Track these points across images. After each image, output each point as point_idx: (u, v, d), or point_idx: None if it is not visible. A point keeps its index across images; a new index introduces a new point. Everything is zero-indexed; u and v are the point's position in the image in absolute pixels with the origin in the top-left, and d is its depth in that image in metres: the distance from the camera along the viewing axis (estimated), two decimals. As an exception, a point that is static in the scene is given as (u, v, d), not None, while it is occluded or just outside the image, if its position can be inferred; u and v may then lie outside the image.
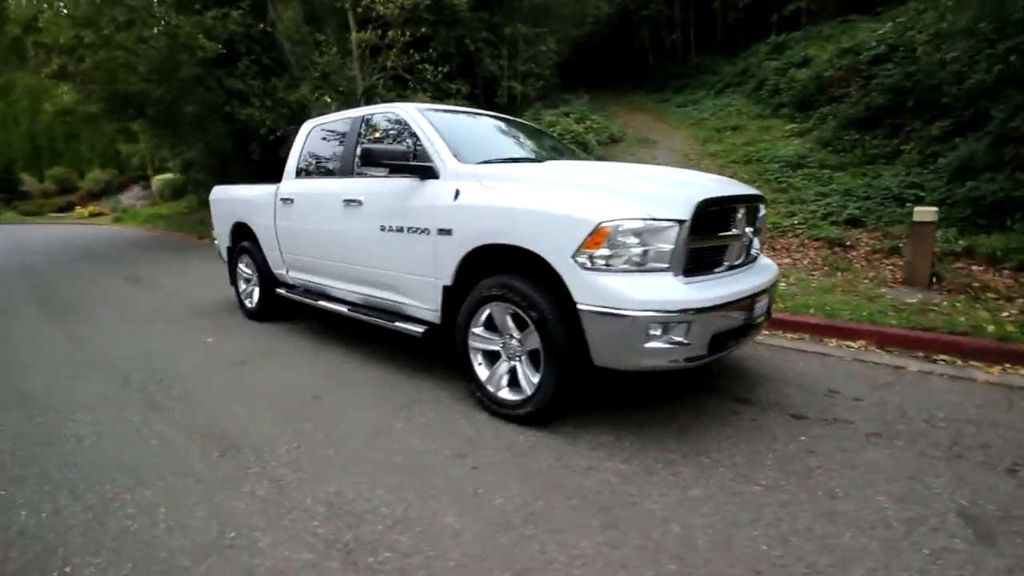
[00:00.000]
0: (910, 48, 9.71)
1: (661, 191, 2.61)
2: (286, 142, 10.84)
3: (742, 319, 2.72)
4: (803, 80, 12.56)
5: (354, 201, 3.74)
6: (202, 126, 14.35)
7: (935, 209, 5.20)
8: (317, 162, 4.41)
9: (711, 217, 2.67)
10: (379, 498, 2.25)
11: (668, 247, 2.48)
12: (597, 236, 2.46)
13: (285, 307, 5.12)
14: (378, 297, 3.76)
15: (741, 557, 1.88)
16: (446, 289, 3.19)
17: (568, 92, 18.94)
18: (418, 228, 3.26)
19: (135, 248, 13.73)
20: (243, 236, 5.36)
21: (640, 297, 2.41)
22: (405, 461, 2.54)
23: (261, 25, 12.07)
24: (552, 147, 4.27)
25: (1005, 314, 4.26)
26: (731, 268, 2.89)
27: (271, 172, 7.02)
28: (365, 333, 4.68)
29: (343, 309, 4.02)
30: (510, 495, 2.25)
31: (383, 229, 3.51)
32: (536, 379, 2.77)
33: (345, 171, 3.98)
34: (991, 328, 3.91)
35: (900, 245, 6.04)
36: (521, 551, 1.93)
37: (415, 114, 3.58)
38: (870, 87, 9.89)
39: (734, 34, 20.24)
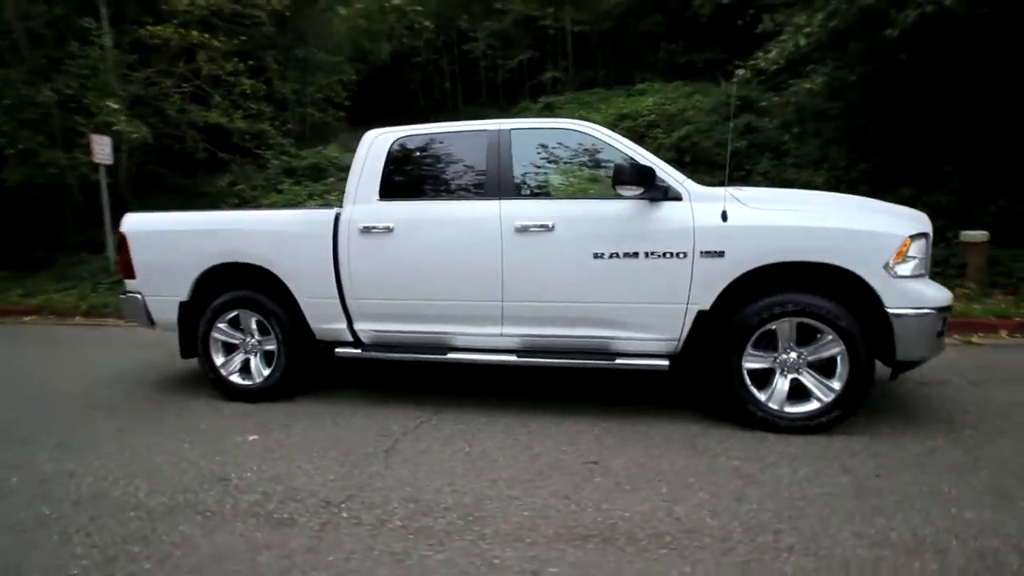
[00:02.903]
0: (671, 116, 12.91)
1: (901, 212, 3.18)
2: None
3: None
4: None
5: (537, 226, 3.21)
6: None
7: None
8: (423, 181, 3.56)
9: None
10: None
11: (926, 256, 3.06)
12: (902, 248, 2.88)
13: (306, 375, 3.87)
14: (566, 336, 3.29)
15: None
16: (700, 314, 3.08)
17: (352, 129, 18.34)
18: (668, 252, 3.06)
19: None
20: (228, 284, 3.77)
21: (934, 296, 2.92)
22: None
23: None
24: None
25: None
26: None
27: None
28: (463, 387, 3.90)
29: (506, 359, 3.34)
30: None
31: (598, 256, 3.14)
32: (838, 385, 2.96)
33: (492, 191, 3.35)
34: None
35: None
36: None
37: (608, 132, 3.34)
38: (653, 146, 12.72)
39: (497, 91, 22.85)
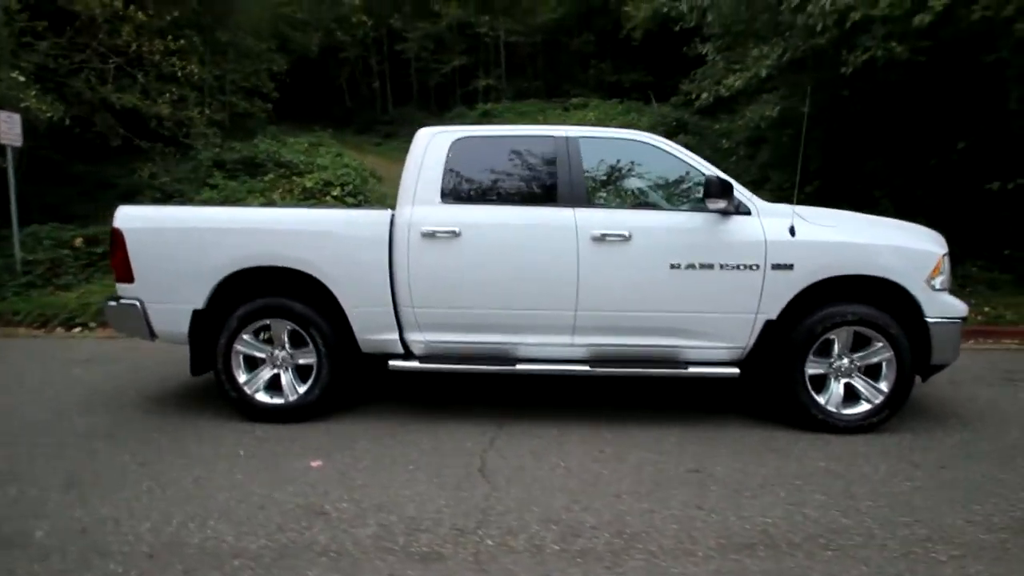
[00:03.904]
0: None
1: (926, 233, 3.57)
2: None
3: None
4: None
5: (615, 236, 3.21)
6: None
7: None
8: (488, 185, 3.41)
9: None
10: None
11: (949, 272, 3.47)
12: (938, 265, 3.25)
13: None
14: (637, 345, 3.32)
15: None
16: (768, 324, 3.25)
17: (275, 124, 17.24)
18: (742, 264, 3.19)
19: None
20: (254, 292, 3.35)
21: (960, 307, 3.33)
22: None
23: None
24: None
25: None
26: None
27: None
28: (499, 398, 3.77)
29: (578, 369, 3.29)
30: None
31: (675, 267, 3.21)
32: (885, 387, 3.25)
33: (565, 198, 3.30)
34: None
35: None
36: None
37: (675, 145, 3.43)
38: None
39: (429, 94, 22.50)
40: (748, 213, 3.28)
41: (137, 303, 3.39)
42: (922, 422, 3.45)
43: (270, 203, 9.91)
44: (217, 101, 13.65)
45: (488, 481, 2.66)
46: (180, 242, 3.37)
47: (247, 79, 14.48)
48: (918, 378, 3.39)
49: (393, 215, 3.34)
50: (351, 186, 10.80)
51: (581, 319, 3.29)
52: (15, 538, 2.18)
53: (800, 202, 3.45)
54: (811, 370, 3.27)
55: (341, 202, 10.44)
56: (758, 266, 3.21)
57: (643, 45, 17.79)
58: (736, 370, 3.29)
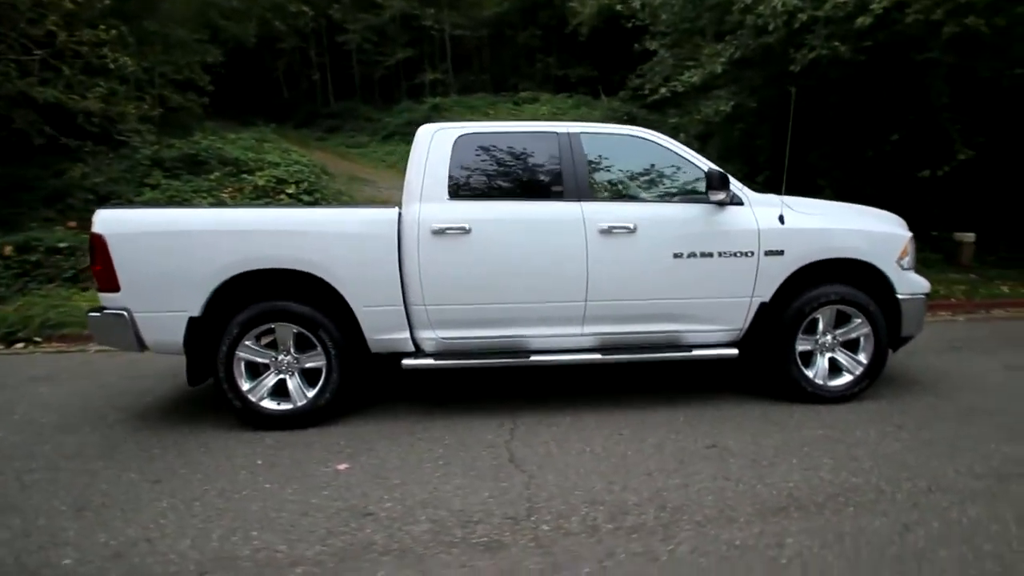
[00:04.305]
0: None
1: (890, 217, 3.91)
2: None
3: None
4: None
5: (621, 228, 3.33)
6: None
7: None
8: (494, 181, 3.43)
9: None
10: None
11: (913, 252, 3.82)
12: (906, 246, 3.59)
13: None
14: (642, 332, 3.47)
15: None
16: (762, 306, 3.48)
17: (216, 117, 16.38)
18: (738, 251, 3.40)
19: None
20: (253, 296, 3.23)
21: (924, 284, 3.70)
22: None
23: None
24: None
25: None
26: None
27: None
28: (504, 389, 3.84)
29: (589, 358, 3.40)
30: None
31: (678, 256, 3.37)
32: (864, 359, 3.56)
33: (571, 193, 3.39)
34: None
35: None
36: None
37: (670, 140, 3.58)
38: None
39: (373, 88, 21.93)
40: (741, 203, 3.49)
41: (124, 313, 3.18)
42: (892, 389, 3.80)
43: (219, 203, 9.42)
44: (149, 95, 12.76)
45: (522, 470, 2.72)
46: (172, 246, 3.18)
47: (179, 71, 13.60)
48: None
49: (400, 213, 3.31)
50: (306, 183, 10.43)
51: (591, 309, 3.40)
52: (42, 570, 2.03)
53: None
54: (800, 347, 3.54)
55: (297, 200, 10.07)
56: (752, 253, 3.43)
57: (589, 40, 18.15)
58: (735, 351, 3.51)
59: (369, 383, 3.90)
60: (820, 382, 3.56)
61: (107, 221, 3.19)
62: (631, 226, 3.36)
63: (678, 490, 2.49)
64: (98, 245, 3.16)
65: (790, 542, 2.09)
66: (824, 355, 3.60)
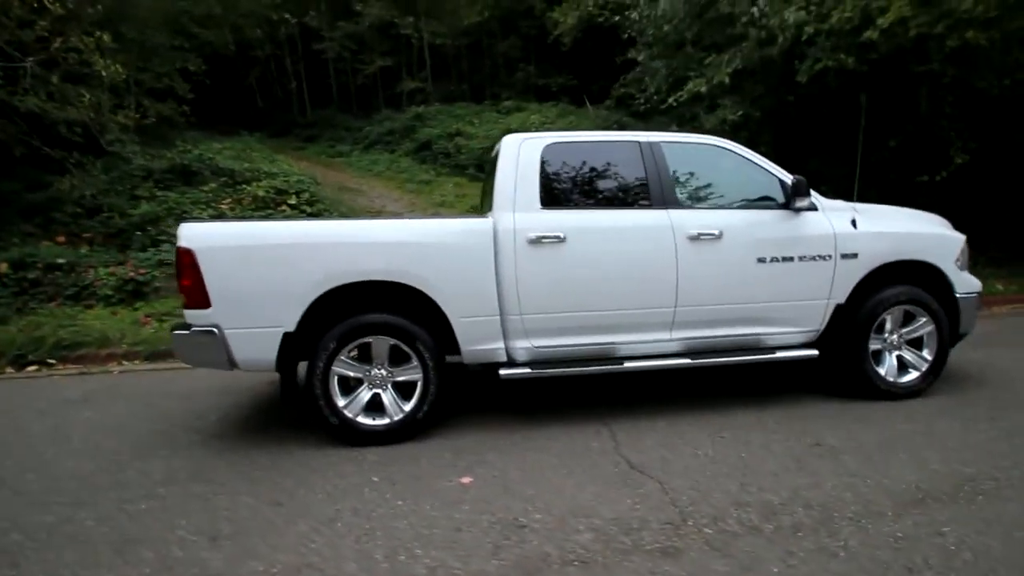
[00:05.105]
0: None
1: (941, 220, 4.13)
2: None
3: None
4: (476, 148, 15.41)
5: (708, 234, 3.42)
6: None
7: None
8: (582, 190, 3.47)
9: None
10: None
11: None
12: (962, 247, 3.82)
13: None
14: (725, 335, 3.56)
15: None
16: (838, 307, 3.62)
17: (198, 127, 15.87)
18: (817, 255, 3.54)
19: None
20: (343, 310, 3.15)
21: (978, 284, 3.94)
22: None
23: None
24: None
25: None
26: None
27: None
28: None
29: (679, 362, 3.46)
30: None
31: (761, 261, 3.49)
32: (928, 356, 3.75)
33: (658, 201, 3.46)
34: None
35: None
36: None
37: (744, 149, 3.70)
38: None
39: (350, 97, 21.62)
40: (816, 209, 3.64)
41: (215, 330, 3.05)
42: (947, 384, 4.00)
43: (220, 215, 9.10)
44: (128, 105, 12.23)
45: (649, 476, 2.74)
46: (267, 260, 3.08)
47: (159, 80, 13.12)
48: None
49: (494, 223, 3.30)
50: (307, 194, 10.19)
51: (680, 314, 3.47)
52: (213, 602, 1.93)
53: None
54: (873, 346, 3.70)
55: (300, 211, 9.82)
56: (830, 256, 3.57)
57: (570, 50, 18.42)
58: (815, 352, 3.63)
59: (457, 395, 3.85)
60: (892, 379, 3.72)
61: (195, 235, 3.07)
62: (717, 232, 3.45)
63: (813, 488, 2.56)
64: (186, 260, 3.03)
65: (947, 531, 2.19)
66: (892, 353, 3.78)
